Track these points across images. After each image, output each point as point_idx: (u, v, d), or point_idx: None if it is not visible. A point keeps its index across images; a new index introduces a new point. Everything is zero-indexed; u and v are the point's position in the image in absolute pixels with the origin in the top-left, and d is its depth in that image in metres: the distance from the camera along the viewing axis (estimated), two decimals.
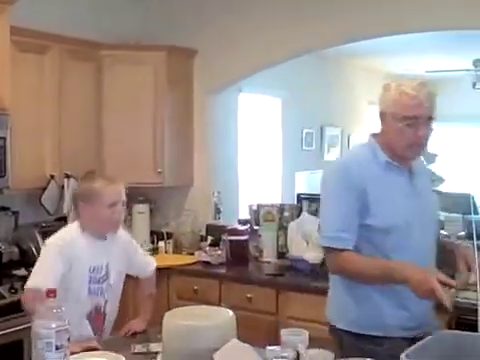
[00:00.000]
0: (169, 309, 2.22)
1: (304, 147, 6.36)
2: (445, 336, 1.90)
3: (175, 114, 4.30)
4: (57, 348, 1.76)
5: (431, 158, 2.34)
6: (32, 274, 2.34)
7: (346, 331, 2.19)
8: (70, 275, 2.35)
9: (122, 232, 2.60)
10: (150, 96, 4.16)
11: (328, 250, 2.18)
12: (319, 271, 3.62)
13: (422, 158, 2.29)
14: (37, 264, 2.37)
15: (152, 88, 4.16)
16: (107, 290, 2.48)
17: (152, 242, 4.37)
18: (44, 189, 3.68)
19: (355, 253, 2.13)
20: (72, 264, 2.35)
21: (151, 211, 4.45)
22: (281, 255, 3.95)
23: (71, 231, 2.47)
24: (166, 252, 4.27)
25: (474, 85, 6.33)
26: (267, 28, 4.12)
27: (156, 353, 2.13)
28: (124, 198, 2.50)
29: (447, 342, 1.87)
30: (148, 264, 2.75)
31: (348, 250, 2.12)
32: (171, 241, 4.32)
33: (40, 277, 2.28)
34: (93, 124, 4.04)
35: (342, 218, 2.14)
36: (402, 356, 1.71)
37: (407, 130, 2.09)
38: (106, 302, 2.48)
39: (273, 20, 4.10)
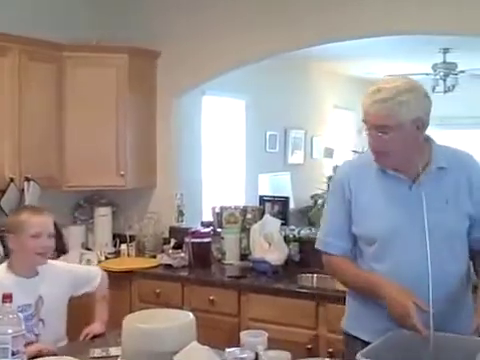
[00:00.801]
0: (131, 312, 2.21)
1: (268, 149, 6.39)
2: (402, 335, 1.89)
3: (138, 116, 4.27)
4: (13, 354, 1.75)
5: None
6: None
7: (346, 334, 2.19)
8: None
9: (54, 262, 2.58)
10: (112, 98, 4.13)
11: (321, 252, 2.20)
12: (281, 272, 3.66)
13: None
14: None
15: (114, 90, 4.12)
16: (36, 325, 2.45)
17: (114, 245, 4.34)
18: (3, 192, 3.63)
19: (346, 260, 2.13)
20: None
21: (113, 214, 4.42)
22: (244, 257, 3.96)
23: None
24: (128, 255, 4.25)
25: (433, 89, 6.44)
26: (231, 31, 4.13)
27: (116, 357, 2.13)
28: (51, 230, 2.49)
29: (404, 341, 1.88)
30: (93, 278, 2.73)
31: (336, 256, 2.14)
32: (134, 244, 4.29)
33: None
34: (54, 127, 3.99)
35: (331, 223, 2.17)
36: (358, 355, 1.73)
37: (367, 136, 2.06)
38: (38, 336, 2.45)
39: (238, 22, 4.10)
